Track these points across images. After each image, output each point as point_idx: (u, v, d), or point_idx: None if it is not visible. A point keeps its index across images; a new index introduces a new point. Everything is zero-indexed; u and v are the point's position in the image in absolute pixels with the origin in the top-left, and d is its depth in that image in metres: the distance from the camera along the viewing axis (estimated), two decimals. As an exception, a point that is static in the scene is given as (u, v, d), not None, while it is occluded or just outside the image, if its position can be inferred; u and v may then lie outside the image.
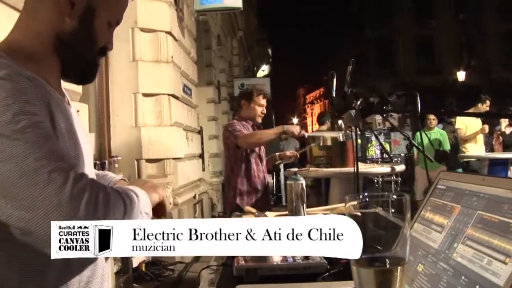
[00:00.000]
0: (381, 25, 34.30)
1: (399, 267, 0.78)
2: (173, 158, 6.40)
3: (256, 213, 2.51)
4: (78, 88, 3.45)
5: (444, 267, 0.95)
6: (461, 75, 28.71)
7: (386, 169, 4.02)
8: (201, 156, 9.19)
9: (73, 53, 1.25)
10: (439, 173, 1.20)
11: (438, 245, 1.02)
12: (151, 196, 1.26)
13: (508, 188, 0.89)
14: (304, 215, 2.12)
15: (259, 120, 4.46)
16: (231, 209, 4.01)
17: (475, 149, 7.90)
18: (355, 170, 3.57)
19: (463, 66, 29.69)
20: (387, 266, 0.78)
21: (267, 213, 2.47)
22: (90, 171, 1.32)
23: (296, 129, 4.24)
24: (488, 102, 8.01)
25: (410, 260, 1.09)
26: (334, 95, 4.29)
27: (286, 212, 2.47)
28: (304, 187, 2.14)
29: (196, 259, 7.03)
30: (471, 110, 8.10)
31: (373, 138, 9.00)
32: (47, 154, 1.02)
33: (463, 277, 0.88)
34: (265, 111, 4.49)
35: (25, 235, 1.01)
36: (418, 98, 2.07)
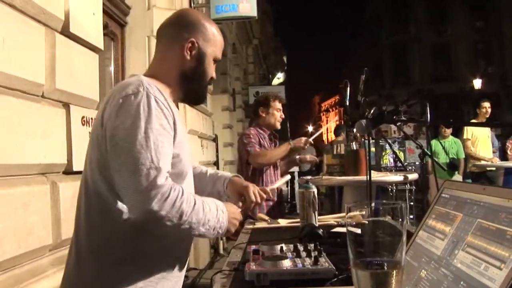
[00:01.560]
0: (397, 33, 34.20)
1: (394, 270, 0.81)
2: (188, 166, 6.46)
3: (269, 220, 2.56)
4: (96, 96, 3.53)
5: (445, 273, 0.99)
6: (477, 83, 28.47)
7: (398, 177, 4.03)
8: (216, 163, 9.25)
9: (192, 84, 1.78)
10: (444, 182, 1.24)
11: (441, 252, 1.06)
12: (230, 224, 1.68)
13: (505, 197, 0.93)
14: (316, 222, 2.15)
15: (278, 125, 4.51)
16: (244, 217, 4.05)
17: (487, 155, 7.85)
18: (368, 179, 3.61)
19: (479, 74, 29.44)
20: (384, 269, 0.82)
21: (279, 220, 2.52)
22: (191, 173, 1.81)
23: (302, 142, 4.29)
24: (487, 104, 7.93)
25: (414, 266, 1.13)
26: (347, 103, 4.32)
27: (298, 220, 2.51)
28: (316, 195, 2.18)
29: (210, 265, 7.09)
30: (474, 119, 8.02)
31: (387, 146, 8.99)
32: (155, 158, 1.48)
33: (462, 282, 0.91)
34: (283, 116, 4.54)
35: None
36: (428, 107, 2.10)
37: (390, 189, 8.62)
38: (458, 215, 1.08)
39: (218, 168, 9.46)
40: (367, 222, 0.92)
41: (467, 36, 33.63)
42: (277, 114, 4.45)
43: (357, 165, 3.98)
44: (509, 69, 32.93)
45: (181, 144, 1.64)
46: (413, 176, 4.15)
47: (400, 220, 0.87)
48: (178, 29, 1.79)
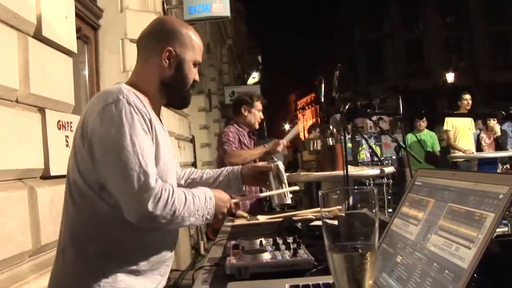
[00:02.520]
0: (370, 30, 34.46)
1: (368, 252, 0.84)
2: (166, 167, 6.44)
3: (248, 217, 2.59)
4: (71, 100, 3.52)
5: (419, 256, 1.03)
6: (450, 77, 28.86)
7: (375, 171, 4.07)
8: (194, 164, 9.24)
9: (174, 90, 1.83)
10: (417, 171, 1.28)
11: (415, 237, 1.10)
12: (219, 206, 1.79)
13: (474, 181, 0.97)
14: (286, 197, 2.17)
15: (257, 125, 4.59)
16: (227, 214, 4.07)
17: (466, 146, 7.99)
18: (345, 173, 3.65)
19: (451, 68, 29.86)
20: (359, 251, 0.84)
21: (258, 216, 2.54)
22: (172, 175, 1.86)
23: (278, 146, 4.35)
24: (468, 97, 8.07)
25: (390, 252, 1.16)
26: (323, 100, 4.37)
27: (277, 215, 2.54)
28: (281, 168, 2.20)
29: (191, 266, 7.09)
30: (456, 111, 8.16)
31: (363, 141, 9.08)
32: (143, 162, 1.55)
33: (435, 264, 0.95)
34: (262, 116, 4.61)
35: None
36: (400, 100, 2.14)
37: (367, 183, 8.70)
38: (431, 201, 1.12)
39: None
40: (343, 214, 0.93)
41: (439, 32, 34.03)
42: (257, 114, 4.53)
43: (333, 161, 4.01)
44: (480, 63, 33.45)
45: (159, 148, 1.70)
46: (389, 169, 4.20)
47: (373, 202, 0.90)
48: (154, 39, 1.82)
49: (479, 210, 0.90)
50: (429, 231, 1.05)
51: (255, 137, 4.71)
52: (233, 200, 1.91)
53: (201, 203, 1.69)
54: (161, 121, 1.85)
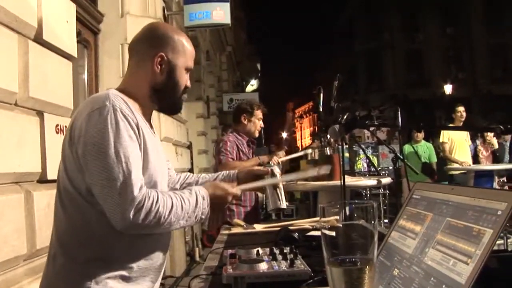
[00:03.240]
0: (370, 40, 34.53)
1: (367, 267, 0.84)
2: (163, 173, 6.43)
3: (245, 226, 2.58)
4: (70, 104, 3.52)
5: (416, 270, 1.03)
6: (448, 88, 28.90)
7: (372, 181, 4.08)
8: (191, 171, 9.23)
9: (165, 96, 1.81)
10: (415, 184, 1.28)
11: (412, 250, 1.10)
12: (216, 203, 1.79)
13: (472, 196, 0.97)
14: (280, 200, 2.18)
15: (257, 134, 4.59)
16: (220, 224, 4.07)
17: (463, 158, 7.99)
18: (342, 183, 3.65)
19: (450, 80, 29.92)
20: (357, 265, 0.85)
21: (255, 225, 2.54)
22: (163, 181, 1.84)
23: (270, 159, 4.36)
24: (461, 109, 8.09)
25: (387, 265, 1.16)
26: (321, 109, 4.37)
27: (275, 225, 2.54)
28: (277, 173, 2.21)
29: (186, 273, 7.07)
30: (451, 124, 8.17)
31: (360, 152, 9.09)
32: (126, 171, 1.54)
33: (432, 278, 0.95)
34: (262, 125, 4.61)
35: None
36: (399, 112, 2.15)
37: (364, 194, 8.71)
38: (429, 215, 1.12)
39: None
40: (341, 225, 0.93)
41: (439, 43, 34.14)
42: (257, 123, 4.52)
43: (331, 170, 4.01)
44: (479, 75, 33.55)
45: (147, 153, 1.69)
46: (386, 180, 4.20)
47: (371, 216, 0.90)
48: (146, 44, 1.82)
49: (478, 226, 0.90)
50: (426, 245, 1.05)
51: (254, 146, 4.70)
52: (240, 187, 1.93)
53: (191, 205, 1.68)
54: (151, 126, 1.85)
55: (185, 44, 1.85)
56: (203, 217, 1.73)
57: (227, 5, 7.35)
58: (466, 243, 0.90)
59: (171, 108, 1.91)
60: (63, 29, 3.50)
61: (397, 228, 1.25)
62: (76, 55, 3.70)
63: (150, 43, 1.81)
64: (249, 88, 25.40)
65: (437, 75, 32.34)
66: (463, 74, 33.51)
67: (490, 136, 8.74)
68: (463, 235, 0.93)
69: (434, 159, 9.38)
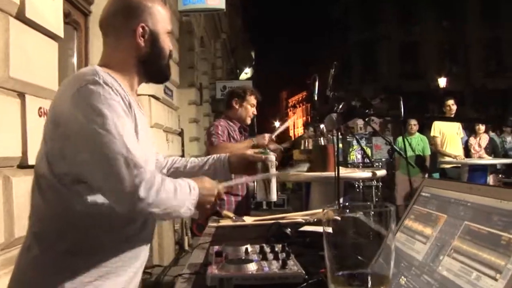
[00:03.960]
0: (366, 30, 34.38)
1: (381, 287, 0.70)
2: (153, 160, 6.29)
3: (234, 218, 2.45)
4: (54, 86, 3.35)
5: (428, 281, 0.89)
6: (442, 82, 28.88)
7: (367, 174, 3.97)
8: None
9: (152, 66, 1.74)
10: (424, 180, 1.14)
11: (422, 257, 0.96)
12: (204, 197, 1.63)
13: (497, 197, 0.83)
14: (270, 193, 2.06)
15: (249, 121, 4.42)
16: (210, 214, 3.94)
17: (455, 151, 7.89)
18: (336, 175, 3.52)
19: (444, 73, 29.88)
20: (369, 285, 0.70)
21: (245, 217, 2.41)
22: (152, 164, 1.75)
23: (265, 139, 4.20)
24: (450, 102, 7.99)
25: (393, 272, 1.03)
26: (316, 98, 4.24)
27: (264, 217, 2.42)
28: (271, 160, 2.07)
29: (175, 262, 6.95)
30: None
31: (354, 142, 8.97)
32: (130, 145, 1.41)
33: (449, 293, 0.81)
34: (255, 112, 4.44)
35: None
36: (402, 102, 2.02)
37: (357, 186, 8.62)
38: (442, 216, 0.98)
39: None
40: (339, 218, 0.80)
41: (434, 36, 34.08)
42: (250, 109, 4.36)
43: (325, 161, 3.88)
44: (473, 69, 33.56)
45: (137, 132, 1.57)
46: (381, 172, 4.08)
47: (386, 226, 0.75)
48: (122, 18, 1.71)
49: (508, 234, 0.76)
50: (440, 252, 0.91)
51: (246, 133, 4.55)
52: (221, 185, 1.75)
53: (185, 193, 1.55)
54: (138, 104, 1.74)
55: (160, 8, 1.76)
56: (192, 208, 1.58)
57: (222, -10, 7.18)
58: (493, 254, 0.76)
59: (160, 76, 1.83)
60: (48, 7, 3.33)
61: (403, 229, 1.11)
62: (62, 35, 3.52)
63: (126, 15, 1.70)
64: (243, 76, 25.24)
65: (432, 68, 32.31)
66: (457, 67, 33.49)
67: (482, 129, 8.67)
68: (488, 243, 0.79)
69: (428, 152, 9.29)
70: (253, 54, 31.68)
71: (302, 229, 1.94)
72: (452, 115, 7.90)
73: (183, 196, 1.53)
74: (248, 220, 2.40)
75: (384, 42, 34.37)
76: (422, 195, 1.11)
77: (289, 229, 1.73)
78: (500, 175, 8.31)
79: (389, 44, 34.40)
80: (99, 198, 1.49)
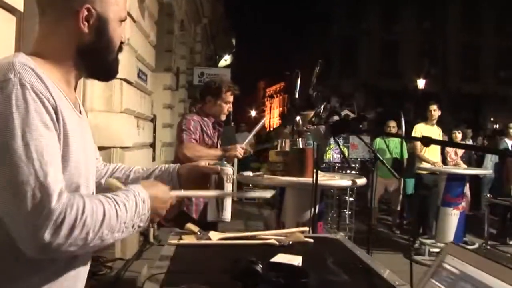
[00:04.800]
0: (348, 25, 34.34)
1: None
2: (121, 147, 5.97)
3: (198, 233, 2.16)
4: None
5: None
6: (421, 83, 29.02)
7: (346, 182, 3.75)
8: (152, 145, 8.75)
9: (96, 58, 1.42)
10: (446, 246, 0.87)
11: None
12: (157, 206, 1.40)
13: None
14: (222, 211, 1.81)
15: (223, 118, 4.13)
16: (175, 214, 3.65)
17: (433, 157, 7.72)
18: (314, 182, 3.26)
19: (423, 74, 30.02)
20: None
21: (210, 233, 2.12)
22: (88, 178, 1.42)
23: (237, 151, 3.92)
24: (433, 107, 7.82)
25: None
26: (296, 96, 3.98)
27: (232, 235, 2.14)
28: (229, 174, 1.83)
29: (138, 255, 6.62)
30: (422, 123, 7.89)
31: (332, 141, 8.73)
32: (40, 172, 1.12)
33: None
34: (231, 109, 4.14)
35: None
36: (403, 118, 1.76)
37: (331, 190, 8.38)
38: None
39: (154, 150, 8.96)
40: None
41: (415, 36, 34.27)
42: (224, 107, 4.06)
43: (302, 165, 3.63)
44: (450, 72, 33.84)
45: (68, 145, 1.28)
46: (361, 181, 3.84)
47: None
48: None
49: None
50: None
51: (221, 129, 4.26)
52: (174, 193, 1.51)
53: (129, 212, 1.29)
54: (76, 103, 1.44)
55: None
56: (142, 225, 1.35)
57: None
58: None
59: (105, 72, 1.51)
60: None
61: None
62: (22, 9, 3.16)
63: None
64: (222, 63, 24.93)
65: (410, 68, 32.50)
66: (436, 69, 33.72)
67: (458, 136, 8.54)
68: None
69: (405, 155, 9.12)
70: (233, 41, 31.36)
71: (275, 259, 1.66)
72: (434, 120, 7.71)
73: (121, 218, 1.27)
74: (214, 236, 2.11)
75: (365, 38, 34.40)
76: (445, 266, 0.84)
77: (260, 265, 1.45)
78: (486, 195, 8.24)
79: (370, 40, 34.43)
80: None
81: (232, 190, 1.87)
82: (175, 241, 1.98)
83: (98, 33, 1.38)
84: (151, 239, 7.59)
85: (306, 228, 2.34)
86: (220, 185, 1.80)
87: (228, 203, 1.83)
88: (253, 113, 63.85)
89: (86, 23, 1.36)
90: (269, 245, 1.99)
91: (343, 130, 1.97)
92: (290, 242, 2.00)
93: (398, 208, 9.34)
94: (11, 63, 1.21)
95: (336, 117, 3.59)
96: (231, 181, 1.84)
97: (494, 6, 33.04)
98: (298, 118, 4.04)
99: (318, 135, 1.84)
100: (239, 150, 3.91)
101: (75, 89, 1.48)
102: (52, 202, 1.12)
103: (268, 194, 2.32)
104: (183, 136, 3.82)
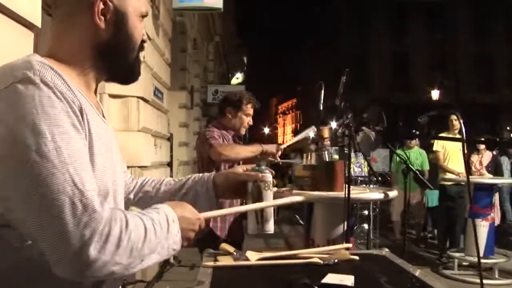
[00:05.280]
0: (358, 40, 34.35)
1: None
2: (139, 167, 5.86)
3: (235, 253, 2.01)
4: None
5: None
6: (435, 94, 28.89)
7: (379, 195, 3.58)
8: (170, 164, 8.65)
9: (115, 58, 1.26)
10: None
11: None
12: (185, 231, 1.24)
13: None
14: (264, 223, 1.65)
15: (243, 132, 3.99)
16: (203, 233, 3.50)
17: (457, 168, 7.49)
18: (346, 196, 3.12)
19: (436, 86, 29.89)
20: None
21: (248, 253, 1.97)
22: (116, 189, 1.26)
23: (274, 149, 3.78)
24: (454, 117, 7.58)
25: None
26: (321, 107, 3.85)
27: (271, 254, 1.99)
28: (268, 182, 1.63)
29: (159, 277, 6.48)
30: (445, 132, 7.65)
31: (353, 154, 8.58)
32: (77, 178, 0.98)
33: None
34: (251, 122, 4.00)
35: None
36: (461, 122, 1.62)
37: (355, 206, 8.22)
38: None
39: (171, 170, 8.86)
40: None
41: (425, 49, 34.21)
42: (245, 120, 3.92)
43: (332, 179, 3.47)
44: (464, 83, 33.68)
45: (93, 150, 1.13)
46: (393, 193, 3.69)
47: None
48: None
49: None
50: None
51: (241, 142, 4.13)
52: (203, 215, 1.35)
53: (163, 230, 1.15)
54: (99, 108, 1.29)
55: None
56: (176, 248, 1.20)
57: (220, -12, 6.76)
58: None
59: (126, 73, 1.34)
60: (24, -8, 2.88)
61: None
62: (39, 25, 3.07)
63: None
64: (234, 80, 25.05)
65: (423, 81, 32.43)
66: (448, 81, 33.58)
67: (483, 147, 8.30)
68: None
69: (427, 167, 8.96)
70: (245, 59, 31.48)
71: (327, 280, 1.51)
72: (456, 130, 7.48)
73: (158, 237, 1.12)
74: (252, 256, 1.96)
75: (376, 53, 34.37)
76: None
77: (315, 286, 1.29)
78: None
79: (380, 54, 34.41)
80: (31, 248, 1.03)
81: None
82: (210, 263, 1.83)
83: (116, 29, 1.24)
84: (171, 260, 7.44)
85: (350, 245, 2.19)
86: (258, 193, 1.64)
87: (269, 213, 1.66)
88: (266, 130, 63.78)
89: (102, 18, 1.21)
90: (313, 264, 1.83)
91: (396, 137, 1.82)
92: (336, 260, 1.84)
93: (422, 221, 9.14)
94: (29, 61, 1.08)
95: (365, 129, 3.46)
96: (270, 189, 1.67)
97: (503, 15, 32.94)
98: (312, 133, 3.93)
99: (367, 142, 1.70)
100: (277, 148, 3.77)
101: (95, 93, 1.34)
102: (96, 212, 0.99)
103: (298, 198, 2.19)
104: (211, 142, 3.64)
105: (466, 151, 1.79)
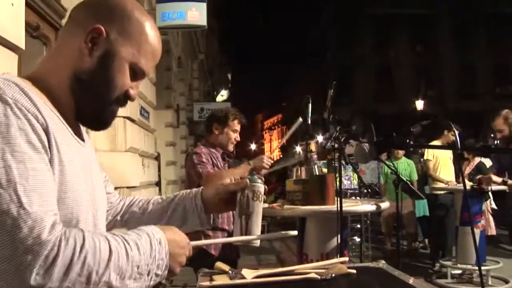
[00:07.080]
0: (342, 53, 34.60)
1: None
2: (128, 187, 5.81)
3: (230, 272, 1.97)
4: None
5: None
6: (419, 104, 29.14)
7: (371, 207, 3.57)
8: (158, 183, 8.59)
9: (88, 93, 1.19)
10: None
11: None
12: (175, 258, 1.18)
13: None
14: (249, 229, 1.58)
15: (231, 148, 3.96)
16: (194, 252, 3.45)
17: (448, 177, 7.50)
18: (339, 209, 3.10)
19: (420, 96, 30.18)
20: None
21: (243, 271, 1.93)
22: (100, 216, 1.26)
23: (264, 162, 3.74)
24: (450, 127, 7.57)
25: None
26: (309, 121, 3.85)
27: (267, 271, 1.95)
28: (257, 191, 1.55)
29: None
30: (436, 141, 7.65)
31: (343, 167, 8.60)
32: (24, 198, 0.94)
33: None
34: (238, 138, 3.97)
35: None
36: (457, 134, 1.61)
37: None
38: None
39: (160, 189, 8.79)
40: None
41: (409, 59, 34.57)
42: (232, 136, 3.89)
43: (323, 193, 3.46)
44: (447, 91, 34.04)
45: (65, 173, 1.08)
46: (384, 205, 3.68)
47: None
48: (85, 12, 1.21)
49: None
50: None
51: (230, 160, 4.10)
52: (193, 243, 1.28)
53: (143, 255, 1.08)
54: (76, 131, 1.23)
55: (148, 31, 1.23)
56: (160, 273, 1.13)
57: (203, 6, 6.75)
58: None
59: (92, 117, 1.24)
60: (7, 14, 2.85)
61: None
62: (23, 47, 3.04)
63: (92, 11, 1.20)
64: (219, 98, 25.08)
65: (407, 91, 32.70)
66: (432, 91, 33.91)
67: (471, 156, 8.34)
68: None
69: (415, 177, 8.98)
70: (229, 76, 31.57)
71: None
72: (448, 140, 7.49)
73: (134, 259, 1.05)
74: (248, 274, 1.93)
75: (360, 65, 34.64)
76: None
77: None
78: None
79: (364, 67, 34.70)
80: None
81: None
82: (206, 283, 1.79)
83: (99, 63, 1.18)
84: (163, 280, 7.34)
85: (347, 259, 2.16)
86: (246, 204, 1.54)
87: (254, 224, 1.60)
88: (253, 146, 63.71)
89: (90, 45, 1.17)
90: (310, 280, 1.80)
91: (389, 146, 1.82)
92: (333, 275, 1.81)
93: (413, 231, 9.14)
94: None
95: (352, 142, 3.45)
96: (260, 199, 1.61)
97: (484, 25, 33.42)
98: (299, 149, 3.93)
99: (362, 154, 1.68)
100: (266, 160, 3.73)
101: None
102: (41, 234, 0.93)
103: (293, 232, 2.09)
104: (199, 170, 3.62)
105: (460, 161, 1.77)
